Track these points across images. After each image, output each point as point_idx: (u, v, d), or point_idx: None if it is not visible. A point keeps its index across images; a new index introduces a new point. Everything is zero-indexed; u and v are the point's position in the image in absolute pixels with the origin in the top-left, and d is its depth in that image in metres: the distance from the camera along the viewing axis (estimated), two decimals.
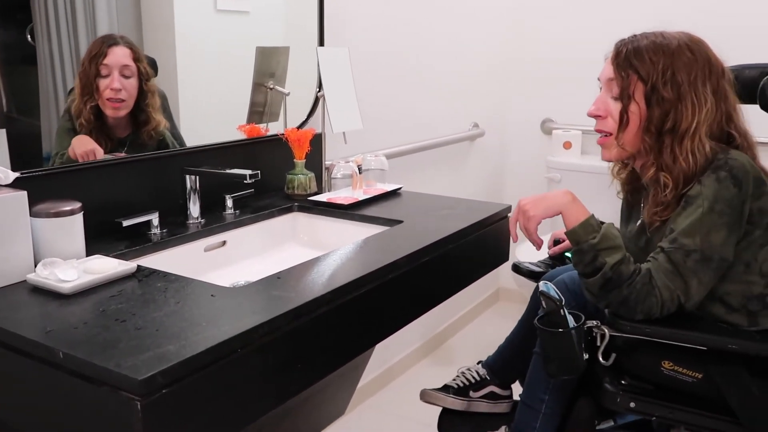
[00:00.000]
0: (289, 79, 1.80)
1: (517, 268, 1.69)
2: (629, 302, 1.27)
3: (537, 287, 1.64)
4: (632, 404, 1.33)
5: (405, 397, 2.44)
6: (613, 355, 1.33)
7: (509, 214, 1.65)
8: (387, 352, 2.48)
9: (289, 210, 1.62)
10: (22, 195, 1.08)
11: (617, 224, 1.78)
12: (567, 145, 2.92)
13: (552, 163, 2.91)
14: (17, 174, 1.13)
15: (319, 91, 1.76)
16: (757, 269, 1.31)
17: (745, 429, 1.28)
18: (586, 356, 1.31)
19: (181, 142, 1.54)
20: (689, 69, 1.32)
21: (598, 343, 1.32)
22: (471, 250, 1.51)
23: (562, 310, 1.30)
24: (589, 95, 3.04)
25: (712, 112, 1.33)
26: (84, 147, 1.32)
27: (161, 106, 1.46)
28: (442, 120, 2.64)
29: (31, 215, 1.11)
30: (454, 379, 1.73)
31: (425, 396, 1.72)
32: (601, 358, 1.33)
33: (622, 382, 1.35)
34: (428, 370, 2.67)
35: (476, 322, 3.13)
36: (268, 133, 1.74)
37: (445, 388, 1.72)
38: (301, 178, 1.69)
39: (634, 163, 1.43)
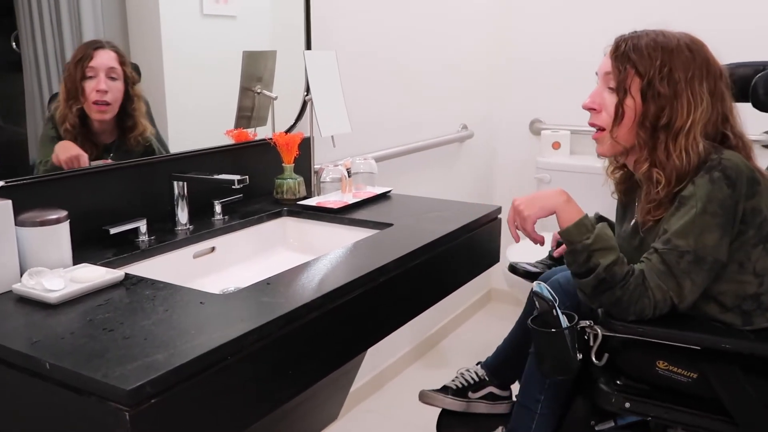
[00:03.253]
0: (276, 83, 1.80)
1: (513, 269, 1.69)
2: (622, 303, 1.26)
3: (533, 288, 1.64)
4: (627, 404, 1.33)
5: (398, 400, 2.44)
6: (606, 355, 1.33)
7: (499, 215, 1.65)
8: (379, 355, 2.47)
9: (278, 215, 1.61)
10: (7, 204, 1.07)
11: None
12: (556, 146, 2.93)
13: (541, 164, 2.91)
14: (2, 182, 1.12)
15: (306, 95, 1.75)
16: (750, 269, 1.31)
17: (741, 429, 1.28)
18: (579, 356, 1.31)
19: (166, 148, 1.53)
20: (686, 67, 1.32)
21: (591, 343, 1.32)
22: (462, 252, 1.51)
23: (554, 311, 1.29)
24: (578, 95, 3.04)
25: (708, 112, 1.33)
26: (68, 153, 1.30)
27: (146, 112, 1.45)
28: (430, 122, 2.64)
29: (16, 224, 1.09)
30: (453, 380, 1.73)
31: (424, 397, 1.72)
32: (594, 358, 1.32)
33: (618, 382, 1.35)
34: (421, 372, 2.66)
35: (468, 324, 3.12)
36: (256, 138, 1.73)
37: (444, 389, 1.72)
38: (290, 182, 1.68)
39: (627, 159, 1.43)
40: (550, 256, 1.68)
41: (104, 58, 1.34)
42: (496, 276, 3.14)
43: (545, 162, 2.91)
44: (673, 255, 1.26)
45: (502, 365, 1.72)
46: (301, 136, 1.70)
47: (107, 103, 1.35)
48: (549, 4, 2.96)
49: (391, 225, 1.48)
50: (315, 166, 1.80)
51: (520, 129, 3.13)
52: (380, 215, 1.57)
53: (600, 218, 1.68)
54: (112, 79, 1.35)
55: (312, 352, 1.06)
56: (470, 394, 1.68)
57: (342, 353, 1.17)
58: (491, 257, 1.66)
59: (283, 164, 1.69)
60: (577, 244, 1.29)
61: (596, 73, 1.44)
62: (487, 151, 3.15)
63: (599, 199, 2.74)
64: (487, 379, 1.70)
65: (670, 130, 1.32)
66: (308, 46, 1.84)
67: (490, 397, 1.68)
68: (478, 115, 3.00)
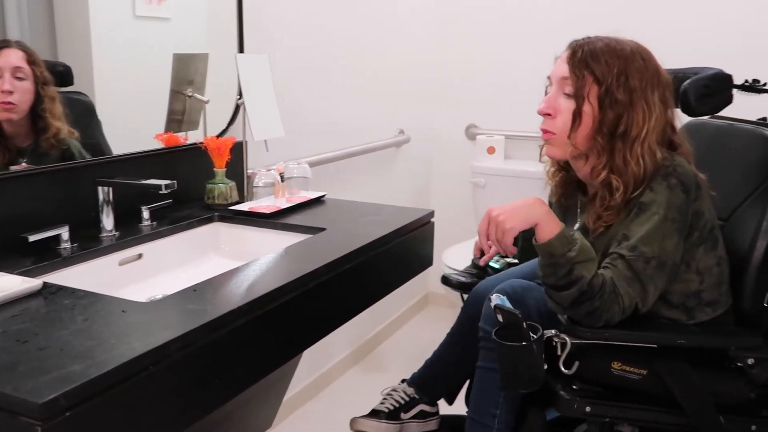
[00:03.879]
0: (209, 86, 1.77)
1: (446, 281, 1.65)
2: (597, 312, 1.26)
3: (468, 299, 1.61)
4: (588, 408, 1.34)
5: (335, 406, 2.43)
6: (577, 363, 1.32)
7: (432, 219, 1.66)
8: (315, 361, 2.46)
9: (209, 220, 1.58)
10: None
11: None
12: (491, 150, 2.98)
13: (476, 168, 2.96)
14: None
15: (239, 99, 1.73)
16: (694, 268, 1.36)
17: (690, 418, 1.33)
18: (545, 366, 1.29)
19: (100, 151, 1.48)
20: (641, 75, 1.34)
21: (559, 352, 1.30)
22: (395, 256, 1.51)
23: (524, 323, 1.26)
24: (512, 101, 3.13)
25: (660, 120, 1.36)
26: None
27: (64, 114, 1.39)
28: (367, 127, 2.64)
29: None
30: (382, 403, 1.67)
31: (356, 425, 1.65)
32: (563, 368, 1.31)
33: (574, 387, 1.36)
34: (358, 377, 2.66)
35: (406, 328, 3.14)
36: (187, 142, 1.70)
37: (376, 414, 1.65)
38: (222, 187, 1.65)
39: (584, 165, 1.42)
40: (475, 265, 1.66)
41: (10, 58, 1.29)
42: (432, 279, 3.17)
43: (480, 166, 2.95)
44: (640, 262, 1.28)
45: (432, 380, 1.68)
46: (233, 141, 1.68)
47: (13, 104, 1.30)
48: (484, 11, 3.01)
49: (324, 229, 1.48)
50: (248, 171, 1.78)
51: (456, 134, 3.17)
52: (313, 220, 1.56)
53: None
54: (19, 78, 1.30)
55: (240, 359, 1.05)
56: (402, 415, 1.64)
57: (271, 360, 1.16)
58: (425, 261, 1.67)
59: (215, 169, 1.66)
60: (560, 257, 1.25)
61: (548, 77, 1.43)
62: (423, 156, 3.18)
63: None
64: (416, 397, 1.66)
65: (627, 138, 1.33)
66: (241, 50, 1.82)
67: (421, 416, 1.64)
68: (415, 120, 3.03)
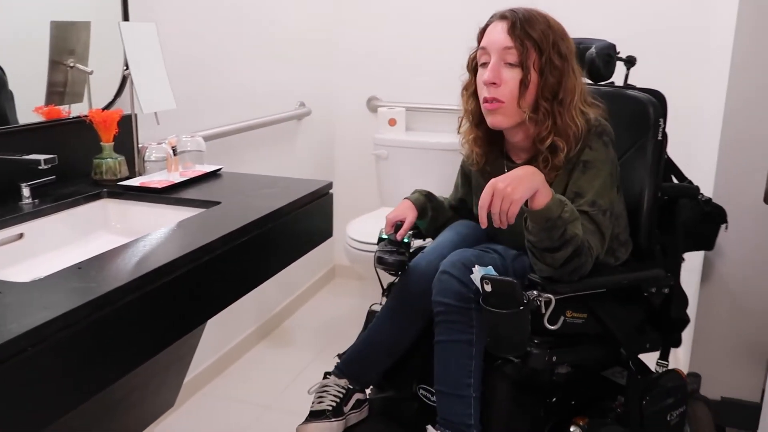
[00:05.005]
0: (93, 56, 1.68)
1: (381, 260, 1.59)
2: (580, 267, 1.35)
3: (407, 277, 1.56)
4: (554, 358, 1.42)
5: (242, 381, 2.41)
6: (562, 318, 1.38)
7: (331, 191, 1.66)
8: (221, 338, 2.42)
9: (97, 197, 1.51)
10: None
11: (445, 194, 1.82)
12: (392, 122, 2.99)
13: (378, 140, 2.97)
14: None
15: (125, 70, 1.65)
16: (615, 213, 1.48)
17: (624, 346, 1.48)
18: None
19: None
20: (566, 43, 1.46)
21: (543, 311, 1.35)
22: (292, 228, 1.50)
23: (518, 288, 1.29)
24: (412, 73, 3.14)
25: (581, 82, 1.48)
26: None
27: None
28: (267, 99, 2.60)
29: None
30: (320, 402, 1.57)
31: (306, 431, 1.54)
32: (548, 324, 1.36)
33: (536, 341, 1.41)
34: (265, 352, 2.64)
35: (313, 301, 3.14)
36: (71, 115, 1.61)
37: (320, 414, 1.55)
38: (110, 162, 1.58)
39: (531, 130, 1.47)
40: (391, 241, 1.61)
41: None
42: (339, 252, 3.18)
43: (382, 138, 2.96)
44: (600, 215, 1.40)
45: (366, 367, 1.62)
46: (120, 113, 1.60)
47: None
48: None
49: (219, 203, 1.45)
50: (138, 145, 1.71)
51: (358, 106, 3.17)
52: (208, 193, 1.53)
53: (428, 194, 1.71)
54: None
55: (130, 337, 1.02)
56: (344, 408, 1.58)
57: (165, 336, 1.13)
58: (324, 233, 1.67)
59: (102, 143, 1.59)
60: (557, 219, 1.28)
61: (482, 47, 1.47)
62: (325, 129, 3.16)
63: (433, 173, 2.86)
64: (351, 387, 1.60)
65: (565, 101, 1.44)
66: (126, 18, 1.74)
67: (357, 405, 1.60)
68: (316, 92, 3.00)
